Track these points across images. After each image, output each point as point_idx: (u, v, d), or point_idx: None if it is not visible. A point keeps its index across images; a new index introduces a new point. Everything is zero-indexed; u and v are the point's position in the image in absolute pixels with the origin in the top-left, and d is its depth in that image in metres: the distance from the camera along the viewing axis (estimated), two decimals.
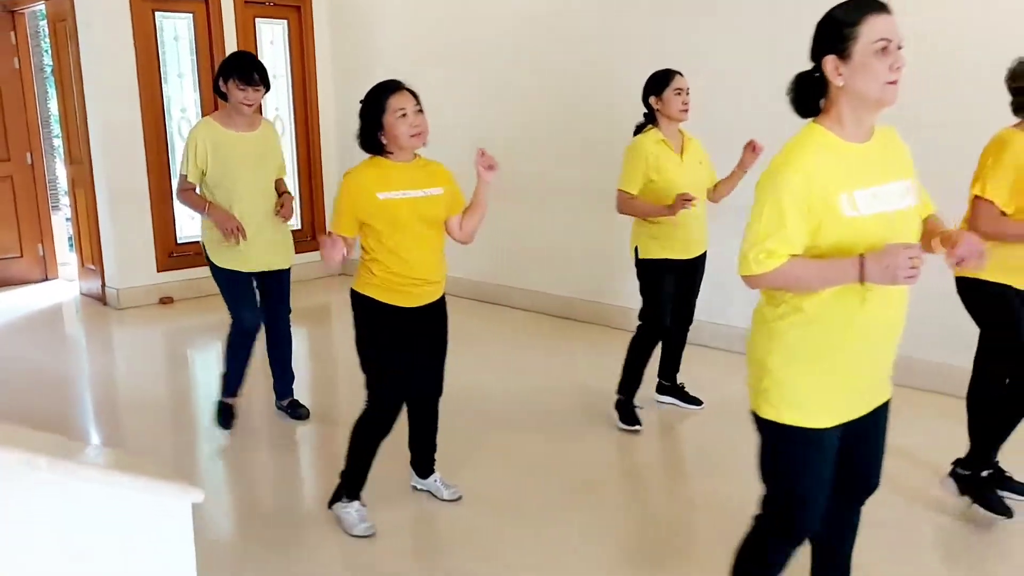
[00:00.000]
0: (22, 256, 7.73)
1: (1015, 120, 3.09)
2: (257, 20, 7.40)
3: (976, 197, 3.05)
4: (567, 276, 6.22)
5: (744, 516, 2.27)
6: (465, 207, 3.26)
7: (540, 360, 5.36)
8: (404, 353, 3.15)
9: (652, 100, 3.93)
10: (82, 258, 7.22)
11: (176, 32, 6.94)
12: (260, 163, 4.08)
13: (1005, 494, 3.34)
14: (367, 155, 3.16)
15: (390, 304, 3.08)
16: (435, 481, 3.53)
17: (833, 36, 1.97)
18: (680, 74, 3.91)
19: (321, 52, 7.81)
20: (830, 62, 1.96)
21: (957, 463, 3.30)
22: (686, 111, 3.90)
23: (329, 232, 2.97)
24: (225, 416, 4.25)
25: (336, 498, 3.29)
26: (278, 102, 7.61)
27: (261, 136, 4.12)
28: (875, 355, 2.10)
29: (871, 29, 1.92)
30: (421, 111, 3.06)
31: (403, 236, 3.03)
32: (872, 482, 2.30)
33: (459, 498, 3.48)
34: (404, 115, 3.00)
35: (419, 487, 3.55)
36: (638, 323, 4.14)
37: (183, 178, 4.03)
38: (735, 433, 3.36)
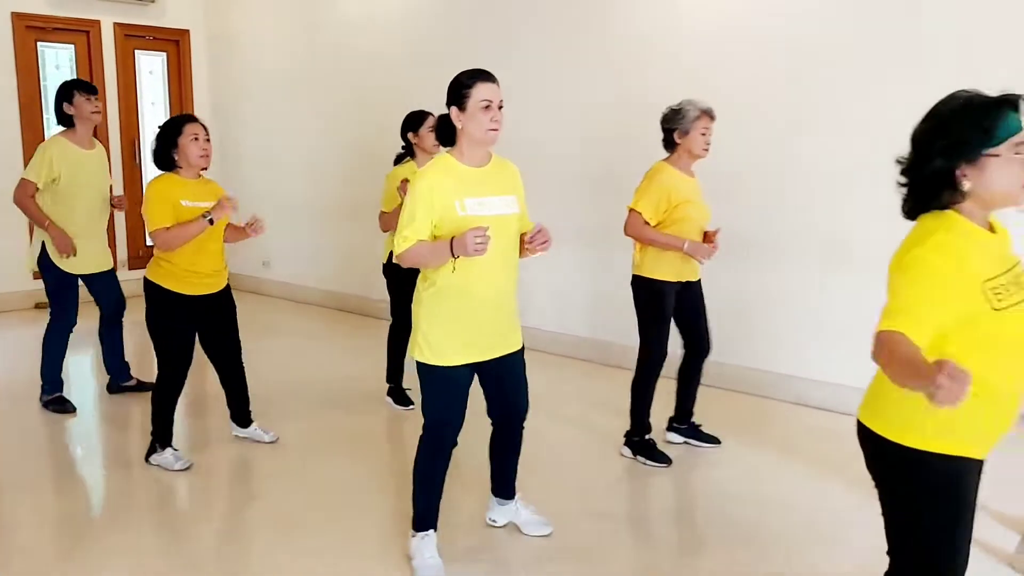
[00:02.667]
0: None
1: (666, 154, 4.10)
2: (137, 52, 8.10)
3: (630, 209, 4.01)
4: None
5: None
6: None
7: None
8: (185, 329, 3.97)
9: (410, 136, 4.66)
10: None
11: (58, 61, 7.60)
12: (99, 179, 4.80)
13: (695, 442, 4.42)
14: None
15: (176, 292, 3.87)
16: (255, 429, 4.38)
17: (455, 93, 2.86)
18: (431, 114, 4.54)
19: (199, 82, 8.54)
20: (453, 111, 2.86)
21: (627, 434, 4.25)
22: (438, 146, 4.64)
23: (165, 228, 3.74)
24: (66, 405, 4.86)
25: (151, 451, 4.04)
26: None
27: (98, 155, 4.81)
28: (486, 315, 2.96)
29: (479, 91, 2.82)
30: (209, 140, 3.91)
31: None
32: (521, 408, 3.23)
33: (276, 439, 4.38)
34: (196, 139, 3.83)
35: (240, 435, 4.39)
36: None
37: (30, 184, 4.57)
38: None
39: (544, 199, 5.00)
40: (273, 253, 8.12)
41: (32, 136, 7.33)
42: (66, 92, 4.66)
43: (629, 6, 5.60)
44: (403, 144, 4.77)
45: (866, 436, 2.05)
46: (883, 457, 2.02)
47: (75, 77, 7.62)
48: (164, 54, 8.34)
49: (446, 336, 2.94)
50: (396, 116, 7.25)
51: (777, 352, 5.21)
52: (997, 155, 1.86)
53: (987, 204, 1.93)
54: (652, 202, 3.97)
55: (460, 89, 2.85)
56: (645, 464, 4.16)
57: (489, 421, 3.28)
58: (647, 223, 3.98)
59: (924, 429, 1.92)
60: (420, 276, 3.01)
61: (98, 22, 7.72)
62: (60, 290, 4.77)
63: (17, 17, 7.22)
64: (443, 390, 3.01)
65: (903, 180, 2.01)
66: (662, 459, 4.16)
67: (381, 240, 4.66)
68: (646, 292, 4.11)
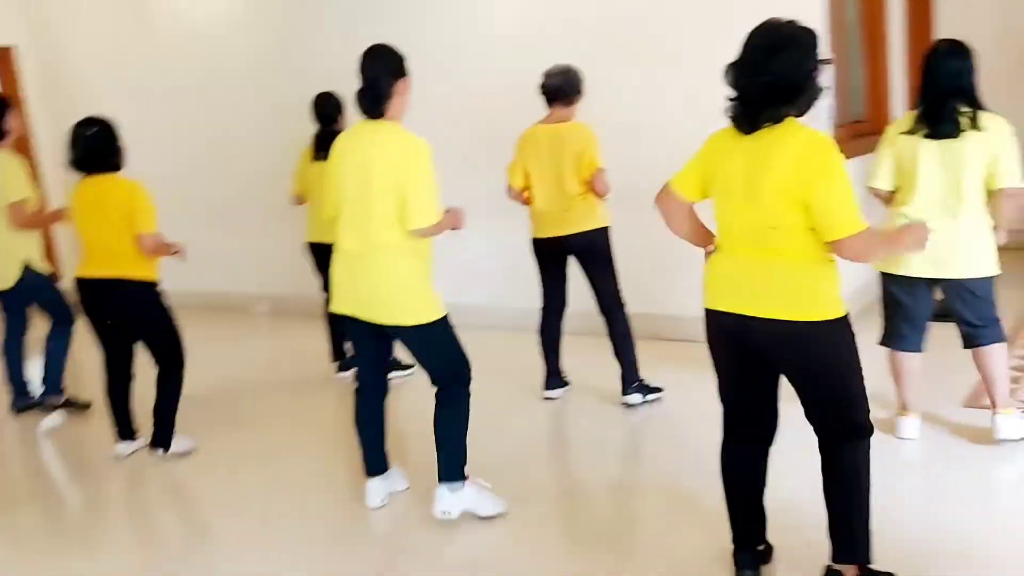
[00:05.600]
0: None
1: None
2: None
3: (601, 168, 4.26)
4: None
5: None
6: None
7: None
8: None
9: None
10: None
11: None
12: None
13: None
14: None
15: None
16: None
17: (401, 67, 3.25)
18: None
19: (33, 98, 8.22)
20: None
21: (633, 381, 4.52)
22: None
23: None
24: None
25: (168, 442, 4.26)
26: None
27: None
28: None
29: None
30: None
31: None
32: None
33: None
34: None
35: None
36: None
37: (27, 202, 4.72)
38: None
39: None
40: None
41: None
42: (5, 106, 4.84)
43: None
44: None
45: (798, 331, 2.41)
46: (829, 336, 2.44)
47: None
48: None
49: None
50: (245, 112, 7.34)
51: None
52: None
53: None
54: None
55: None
56: (655, 399, 4.52)
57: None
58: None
59: (838, 296, 2.48)
60: (401, 241, 3.20)
61: None
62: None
63: None
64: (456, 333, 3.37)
65: (750, 97, 2.39)
66: (657, 389, 4.56)
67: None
68: (609, 240, 4.41)
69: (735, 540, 2.78)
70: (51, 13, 8.09)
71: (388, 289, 3.23)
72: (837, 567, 2.61)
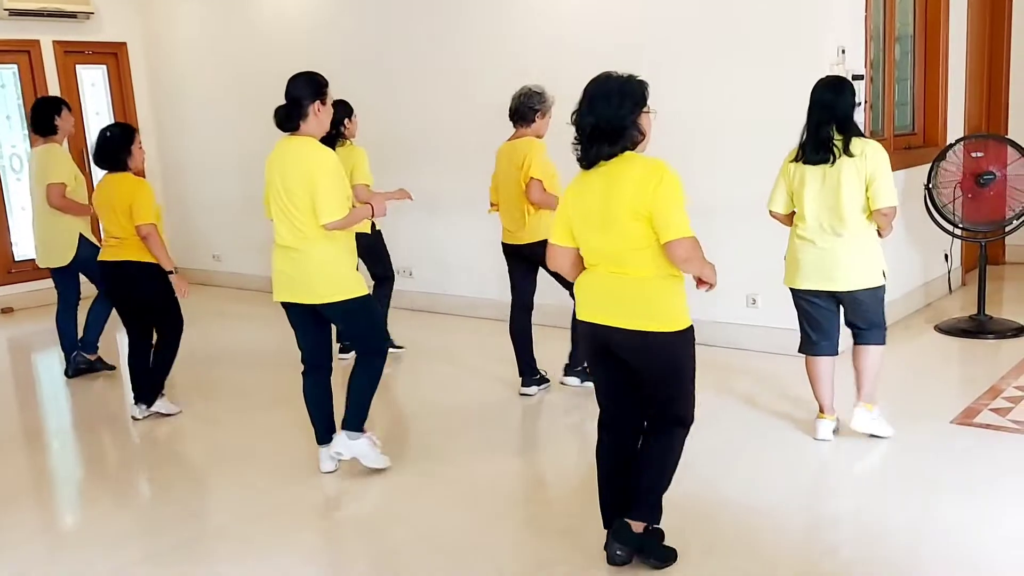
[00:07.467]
0: None
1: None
2: (77, 66, 8.58)
3: (537, 179, 4.41)
4: None
5: None
6: None
7: None
8: None
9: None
10: None
11: (2, 80, 8.08)
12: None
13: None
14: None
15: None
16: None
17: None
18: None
19: (140, 91, 9.02)
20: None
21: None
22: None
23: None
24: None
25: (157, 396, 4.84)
26: None
27: None
28: None
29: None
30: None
31: None
32: None
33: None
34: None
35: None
36: None
37: (63, 185, 5.40)
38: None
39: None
40: (222, 247, 8.67)
41: None
42: (58, 107, 5.56)
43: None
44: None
45: (650, 339, 2.75)
46: (670, 345, 2.78)
47: (21, 94, 8.13)
48: (104, 66, 8.82)
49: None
50: None
51: None
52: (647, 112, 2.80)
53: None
54: (548, 171, 4.44)
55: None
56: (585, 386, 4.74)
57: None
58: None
59: (684, 311, 2.81)
60: (322, 234, 3.60)
61: (37, 41, 8.18)
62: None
63: None
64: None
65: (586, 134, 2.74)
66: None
67: None
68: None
69: (606, 524, 3.02)
70: (158, 13, 8.83)
71: (316, 274, 3.65)
72: (630, 521, 2.91)
